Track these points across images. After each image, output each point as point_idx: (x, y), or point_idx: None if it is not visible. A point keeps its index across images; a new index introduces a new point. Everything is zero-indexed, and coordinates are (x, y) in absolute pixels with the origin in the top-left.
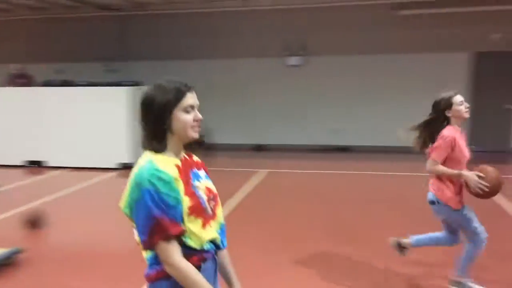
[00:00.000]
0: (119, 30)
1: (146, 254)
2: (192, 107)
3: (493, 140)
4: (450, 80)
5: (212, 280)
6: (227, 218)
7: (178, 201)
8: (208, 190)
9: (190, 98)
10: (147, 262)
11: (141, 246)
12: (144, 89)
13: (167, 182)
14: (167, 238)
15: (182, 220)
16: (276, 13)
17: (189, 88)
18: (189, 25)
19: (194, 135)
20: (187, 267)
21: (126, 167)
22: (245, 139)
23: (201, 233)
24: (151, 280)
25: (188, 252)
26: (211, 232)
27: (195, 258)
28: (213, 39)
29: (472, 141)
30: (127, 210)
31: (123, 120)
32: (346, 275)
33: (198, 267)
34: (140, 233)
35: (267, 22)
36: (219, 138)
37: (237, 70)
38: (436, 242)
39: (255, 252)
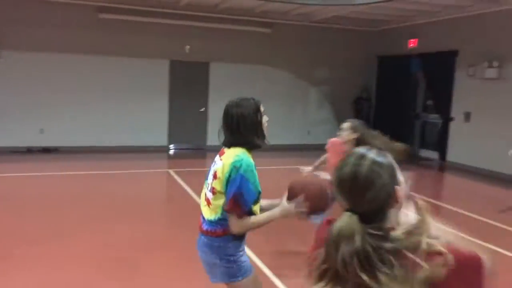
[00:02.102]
0: None
1: (215, 215)
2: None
3: (192, 139)
4: (154, 85)
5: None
6: None
7: (256, 187)
8: None
9: (262, 107)
10: (213, 219)
11: (210, 206)
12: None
13: (255, 174)
14: (243, 214)
15: (254, 203)
16: None
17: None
18: None
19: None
20: (251, 225)
21: None
22: None
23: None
24: (218, 235)
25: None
26: None
27: None
28: None
29: (172, 140)
30: (225, 187)
31: None
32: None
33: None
34: (225, 201)
35: None
36: None
37: None
38: None
39: None
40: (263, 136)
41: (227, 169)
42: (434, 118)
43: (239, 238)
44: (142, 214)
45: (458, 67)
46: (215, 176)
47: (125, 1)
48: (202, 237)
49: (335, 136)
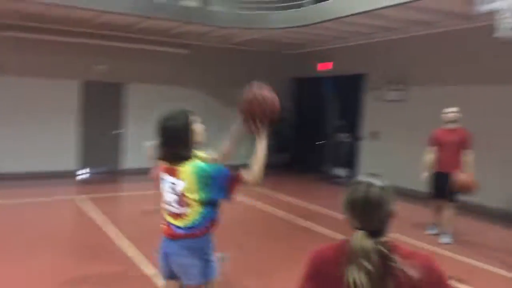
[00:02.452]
0: None
1: (193, 222)
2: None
3: (105, 162)
4: (60, 107)
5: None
6: None
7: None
8: None
9: (193, 116)
10: (191, 225)
11: (186, 217)
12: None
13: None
14: (242, 176)
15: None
16: None
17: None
18: None
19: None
20: (258, 172)
21: None
22: None
23: None
24: (197, 235)
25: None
26: None
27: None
28: None
29: (85, 164)
30: (202, 196)
31: None
32: None
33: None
34: (224, 195)
35: None
36: None
37: None
38: None
39: None
40: (191, 148)
41: (196, 182)
42: (345, 137)
43: (211, 236)
44: (45, 247)
45: (367, 89)
46: (183, 195)
47: (30, 19)
48: (178, 242)
49: None
